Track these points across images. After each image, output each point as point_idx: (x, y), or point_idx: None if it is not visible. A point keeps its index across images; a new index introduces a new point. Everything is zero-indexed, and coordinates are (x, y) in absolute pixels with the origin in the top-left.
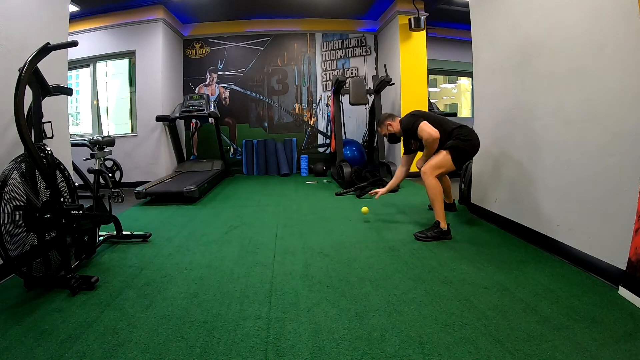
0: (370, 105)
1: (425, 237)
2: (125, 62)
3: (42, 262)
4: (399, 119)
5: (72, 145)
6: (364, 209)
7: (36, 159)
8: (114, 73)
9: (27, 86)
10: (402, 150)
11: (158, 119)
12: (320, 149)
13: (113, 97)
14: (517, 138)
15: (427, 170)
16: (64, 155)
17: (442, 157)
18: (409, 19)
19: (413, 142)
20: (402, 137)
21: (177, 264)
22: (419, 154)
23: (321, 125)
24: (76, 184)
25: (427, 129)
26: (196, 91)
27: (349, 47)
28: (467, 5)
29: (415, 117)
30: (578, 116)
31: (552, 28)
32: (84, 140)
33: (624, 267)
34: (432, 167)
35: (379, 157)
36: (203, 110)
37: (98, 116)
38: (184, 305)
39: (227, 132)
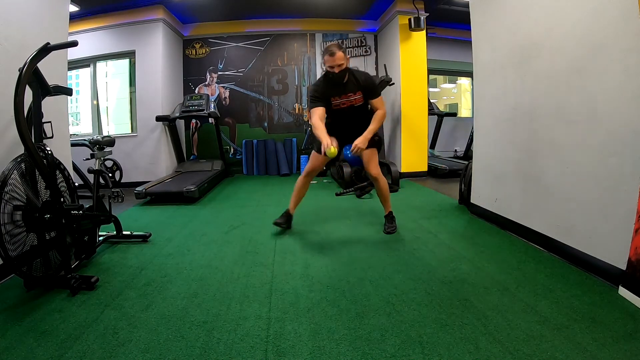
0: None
1: (395, 228)
2: (125, 62)
3: (42, 262)
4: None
5: (72, 145)
6: (332, 150)
7: (36, 159)
8: (114, 73)
9: (27, 86)
10: (310, 100)
11: (158, 119)
12: None
13: (113, 97)
14: (517, 138)
15: (378, 173)
16: (64, 155)
17: (377, 156)
18: (409, 19)
19: (341, 99)
20: (324, 86)
21: (177, 264)
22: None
23: None
24: (76, 184)
25: (384, 105)
26: (196, 91)
27: (349, 47)
28: (467, 5)
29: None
30: (578, 116)
31: (552, 28)
32: (84, 140)
33: (624, 267)
34: (379, 167)
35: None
36: (203, 110)
37: (98, 116)
38: (184, 305)
39: (227, 132)
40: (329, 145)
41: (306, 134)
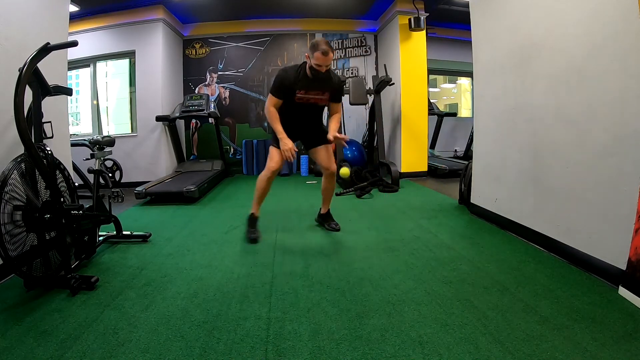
0: (370, 105)
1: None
2: (125, 62)
3: (42, 262)
4: None
5: (72, 145)
6: (344, 170)
7: (36, 159)
8: (114, 73)
9: (27, 86)
10: (275, 87)
11: (158, 119)
12: None
13: (113, 97)
14: (517, 138)
15: (335, 168)
16: (64, 155)
17: (332, 151)
18: (409, 19)
19: (308, 95)
20: (296, 78)
21: (177, 264)
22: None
23: None
24: (76, 184)
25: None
26: (196, 91)
27: (349, 47)
28: (467, 5)
29: None
30: (578, 116)
31: (552, 28)
32: (84, 140)
33: (624, 267)
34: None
35: (379, 157)
36: (203, 110)
37: (98, 116)
38: (184, 305)
39: (227, 132)
40: (292, 151)
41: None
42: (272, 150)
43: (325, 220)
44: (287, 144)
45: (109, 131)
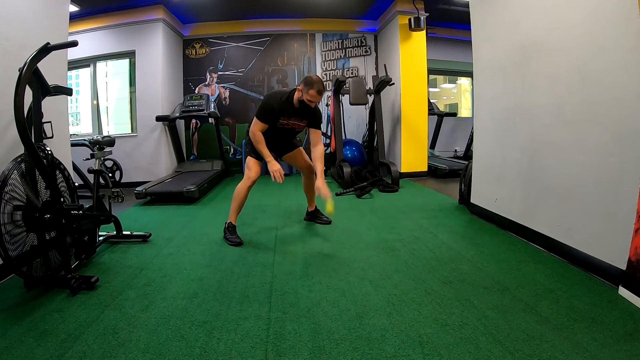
0: (370, 105)
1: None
2: (125, 62)
3: (42, 262)
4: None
5: (72, 145)
6: (330, 207)
7: (36, 159)
8: (114, 73)
9: (27, 86)
10: (262, 112)
11: (158, 119)
12: None
13: (113, 97)
14: (517, 138)
15: (311, 165)
16: (64, 155)
17: (304, 151)
18: (409, 19)
19: (290, 121)
20: (283, 106)
21: (177, 264)
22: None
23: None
24: (76, 184)
25: (321, 139)
26: (196, 91)
27: (349, 47)
28: (467, 5)
29: None
30: (578, 116)
31: (552, 28)
32: (84, 140)
33: (624, 267)
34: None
35: (379, 157)
36: (203, 110)
37: (98, 116)
38: (184, 305)
39: (227, 132)
40: (281, 172)
41: (306, 134)
42: (250, 161)
43: (315, 217)
44: (274, 165)
45: (109, 131)
